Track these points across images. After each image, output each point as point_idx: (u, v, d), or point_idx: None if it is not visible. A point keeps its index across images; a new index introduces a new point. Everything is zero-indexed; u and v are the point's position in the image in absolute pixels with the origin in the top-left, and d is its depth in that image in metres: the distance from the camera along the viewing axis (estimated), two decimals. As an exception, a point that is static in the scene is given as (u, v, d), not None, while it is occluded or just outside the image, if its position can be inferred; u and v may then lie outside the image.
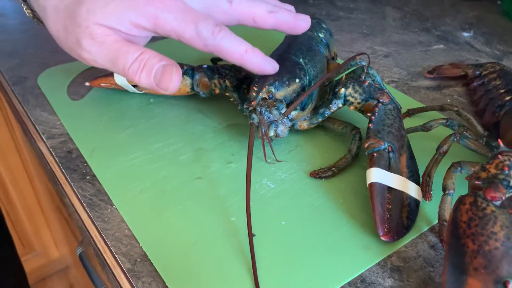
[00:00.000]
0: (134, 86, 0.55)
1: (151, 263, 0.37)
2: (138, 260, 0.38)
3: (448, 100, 0.58)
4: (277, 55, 0.51)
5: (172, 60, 0.43)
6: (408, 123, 0.51)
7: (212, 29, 0.42)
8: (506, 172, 0.36)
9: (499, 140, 0.39)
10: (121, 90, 0.57)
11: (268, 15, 0.46)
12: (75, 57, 0.45)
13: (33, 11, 0.49)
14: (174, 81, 0.42)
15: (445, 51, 0.69)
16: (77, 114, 0.54)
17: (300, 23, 0.47)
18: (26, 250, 1.50)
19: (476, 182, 0.36)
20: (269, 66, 0.46)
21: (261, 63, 0.45)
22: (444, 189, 0.40)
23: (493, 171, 0.36)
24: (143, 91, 0.56)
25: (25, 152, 1.29)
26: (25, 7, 0.49)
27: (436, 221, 0.41)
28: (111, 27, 0.42)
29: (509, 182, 0.35)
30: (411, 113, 0.54)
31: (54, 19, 0.44)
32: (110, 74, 0.55)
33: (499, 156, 0.36)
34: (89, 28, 0.42)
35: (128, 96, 0.57)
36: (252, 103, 0.46)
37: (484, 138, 0.47)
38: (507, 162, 0.36)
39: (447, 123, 0.47)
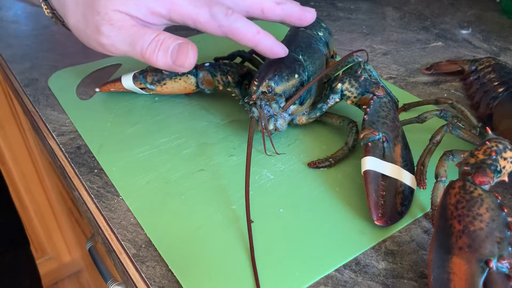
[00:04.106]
0: (142, 88, 0.57)
1: (155, 248, 0.39)
2: (143, 246, 0.39)
3: (445, 94, 0.59)
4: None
5: (187, 40, 0.45)
6: (404, 117, 0.53)
7: (225, 11, 0.44)
8: (494, 157, 0.37)
9: (487, 128, 0.40)
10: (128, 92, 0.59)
11: (276, 6, 0.47)
12: (94, 45, 0.47)
13: (52, 10, 0.51)
14: (190, 57, 0.44)
15: (443, 48, 0.70)
16: (85, 113, 0.57)
17: (307, 14, 0.49)
18: (39, 254, 1.52)
19: (465, 167, 0.37)
20: (280, 49, 0.48)
21: (273, 45, 0.47)
22: (437, 176, 0.41)
23: (481, 156, 0.37)
24: (151, 93, 0.57)
25: (36, 155, 1.32)
26: (45, 7, 0.51)
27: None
28: (128, 13, 0.44)
29: (497, 167, 0.37)
30: (407, 107, 0.55)
31: (74, 10, 0.46)
32: (118, 79, 0.57)
33: (487, 142, 0.38)
34: (108, 14, 0.44)
35: (134, 95, 0.59)
36: (253, 96, 0.47)
37: (478, 129, 0.48)
38: (495, 148, 0.37)
39: (441, 114, 0.49)
